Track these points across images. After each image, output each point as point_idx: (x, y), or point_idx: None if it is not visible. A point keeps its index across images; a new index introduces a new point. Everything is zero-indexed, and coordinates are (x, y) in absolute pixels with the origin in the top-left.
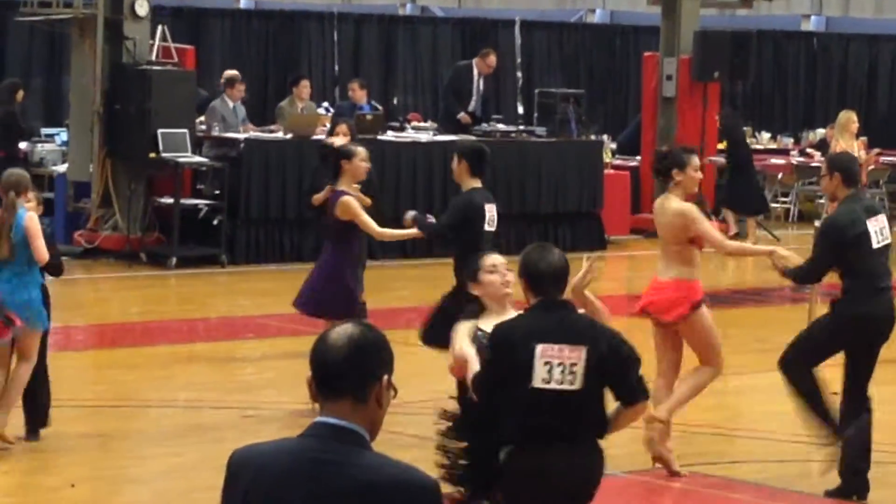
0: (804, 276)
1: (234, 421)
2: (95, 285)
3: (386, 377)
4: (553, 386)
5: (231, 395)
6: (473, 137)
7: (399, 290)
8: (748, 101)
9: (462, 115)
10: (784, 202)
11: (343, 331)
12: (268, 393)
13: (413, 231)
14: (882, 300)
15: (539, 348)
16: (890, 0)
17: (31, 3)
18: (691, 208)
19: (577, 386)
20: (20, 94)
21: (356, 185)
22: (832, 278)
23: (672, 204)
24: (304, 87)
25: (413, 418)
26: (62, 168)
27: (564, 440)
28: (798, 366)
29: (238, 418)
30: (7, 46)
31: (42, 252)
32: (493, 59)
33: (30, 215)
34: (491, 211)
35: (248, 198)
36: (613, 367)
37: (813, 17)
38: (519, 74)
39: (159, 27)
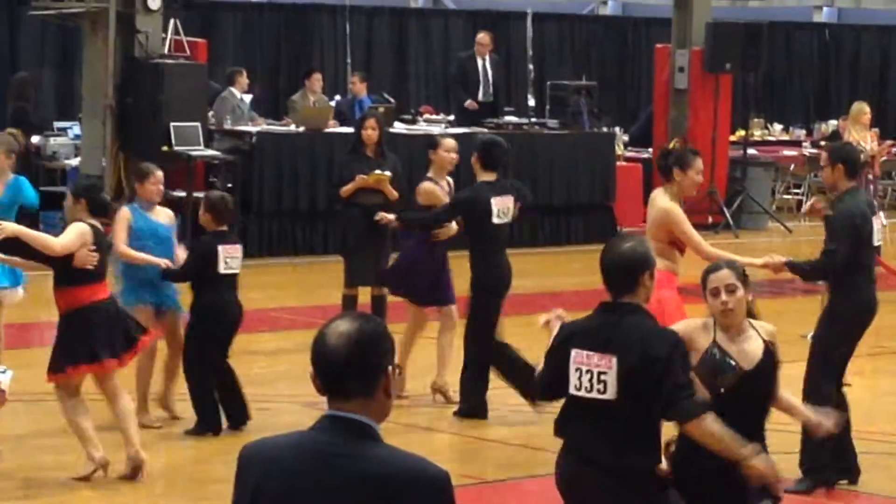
0: (822, 269)
1: None
2: (109, 278)
3: (389, 367)
4: (583, 394)
5: (244, 388)
6: (486, 130)
7: None
8: (760, 92)
9: (469, 102)
10: (796, 193)
11: (342, 330)
12: (280, 386)
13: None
14: (872, 293)
15: (573, 353)
16: None
17: None
18: (676, 209)
19: (608, 396)
20: (30, 89)
21: (378, 172)
22: None
23: (660, 200)
24: (316, 80)
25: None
26: (75, 162)
27: (601, 456)
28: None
29: (252, 411)
30: (20, 40)
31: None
32: (484, 37)
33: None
34: (500, 204)
35: (261, 191)
36: (645, 380)
37: (825, 9)
38: (531, 66)
39: (171, 20)
